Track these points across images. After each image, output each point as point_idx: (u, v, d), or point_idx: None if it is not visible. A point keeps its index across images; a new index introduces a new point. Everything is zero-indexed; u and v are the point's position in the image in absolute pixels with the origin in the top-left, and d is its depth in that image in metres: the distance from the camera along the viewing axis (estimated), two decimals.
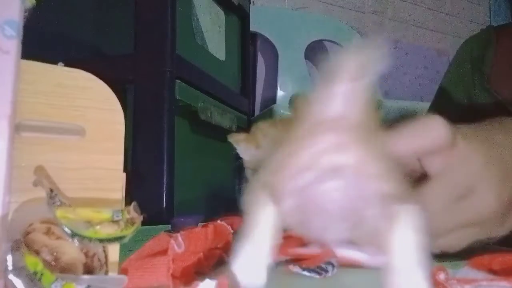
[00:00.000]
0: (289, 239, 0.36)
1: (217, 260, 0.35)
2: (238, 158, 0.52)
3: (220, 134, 1.28)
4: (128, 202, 0.30)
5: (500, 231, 0.39)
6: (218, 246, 0.37)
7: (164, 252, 0.31)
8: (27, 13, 0.26)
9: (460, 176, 0.37)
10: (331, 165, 0.26)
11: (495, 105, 0.77)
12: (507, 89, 0.77)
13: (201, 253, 0.32)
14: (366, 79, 0.27)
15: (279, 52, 1.89)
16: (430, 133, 0.36)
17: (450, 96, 0.85)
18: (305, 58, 1.96)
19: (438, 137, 0.35)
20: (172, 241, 0.32)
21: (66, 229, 0.26)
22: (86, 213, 0.27)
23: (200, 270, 0.32)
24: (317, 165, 0.26)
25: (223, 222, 0.39)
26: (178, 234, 0.34)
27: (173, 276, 0.29)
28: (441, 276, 0.27)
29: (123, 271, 0.29)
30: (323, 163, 0.26)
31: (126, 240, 0.27)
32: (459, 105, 0.83)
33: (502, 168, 0.38)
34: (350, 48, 0.27)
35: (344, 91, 0.27)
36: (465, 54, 0.87)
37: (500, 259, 0.30)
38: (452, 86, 0.86)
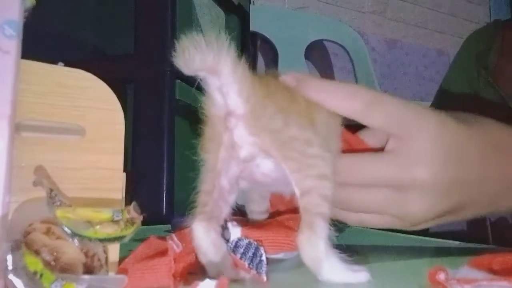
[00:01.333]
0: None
1: None
2: None
3: None
4: (128, 202, 0.30)
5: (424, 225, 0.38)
6: None
7: (162, 253, 0.31)
8: (27, 13, 0.26)
9: (388, 169, 0.35)
10: (245, 156, 0.32)
11: (499, 101, 0.77)
12: (511, 84, 0.76)
13: (194, 253, 0.32)
14: (225, 68, 0.29)
15: (279, 52, 1.89)
16: (346, 98, 0.35)
17: (454, 92, 0.84)
18: (305, 58, 1.96)
19: (349, 108, 0.35)
20: (171, 242, 0.32)
21: (66, 229, 0.26)
22: (86, 213, 0.27)
23: (192, 271, 0.32)
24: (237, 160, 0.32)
25: None
26: (173, 235, 0.34)
27: (173, 276, 0.29)
28: (441, 276, 0.27)
29: (121, 272, 0.29)
30: (240, 157, 0.32)
31: (126, 240, 0.27)
32: (463, 101, 0.82)
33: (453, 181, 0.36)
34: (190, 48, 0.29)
35: (216, 87, 0.30)
36: (470, 48, 0.86)
37: (500, 259, 0.30)
38: (456, 82, 0.86)
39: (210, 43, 0.29)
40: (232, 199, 0.34)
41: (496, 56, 0.80)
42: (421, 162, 0.35)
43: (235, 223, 0.33)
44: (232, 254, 0.32)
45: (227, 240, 0.33)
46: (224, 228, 0.33)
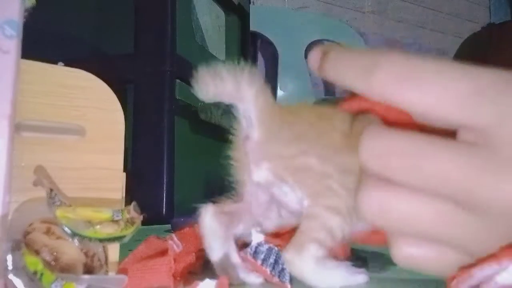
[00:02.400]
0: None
1: (204, 260, 0.36)
2: None
3: (220, 134, 1.28)
4: (128, 202, 0.30)
5: None
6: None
7: (162, 253, 0.31)
8: (27, 13, 0.26)
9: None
10: (258, 181, 0.31)
11: None
12: None
13: (194, 253, 0.32)
14: (246, 94, 0.30)
15: (279, 52, 1.89)
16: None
17: None
18: (305, 58, 1.96)
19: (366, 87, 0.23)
20: (171, 242, 0.33)
21: (66, 229, 0.26)
22: (86, 213, 0.27)
23: (192, 270, 0.32)
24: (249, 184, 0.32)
25: None
26: (173, 235, 0.34)
27: (173, 276, 0.29)
28: (454, 281, 0.26)
29: (121, 272, 0.29)
30: (251, 181, 0.32)
31: (126, 240, 0.27)
32: None
33: None
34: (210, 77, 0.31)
35: (241, 112, 0.31)
36: (467, 51, 0.86)
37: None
38: None
39: (229, 72, 0.30)
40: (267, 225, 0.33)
41: (493, 59, 0.80)
42: None
43: (258, 229, 0.33)
44: (252, 259, 0.32)
45: (248, 244, 0.32)
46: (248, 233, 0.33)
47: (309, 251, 0.29)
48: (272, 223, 0.33)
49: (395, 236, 0.25)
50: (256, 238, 0.32)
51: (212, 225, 0.31)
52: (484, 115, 0.21)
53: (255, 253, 0.32)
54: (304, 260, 0.29)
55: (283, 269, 0.31)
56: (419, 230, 0.23)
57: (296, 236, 0.30)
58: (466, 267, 0.24)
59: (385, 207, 0.23)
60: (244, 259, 0.32)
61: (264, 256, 0.31)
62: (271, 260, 0.31)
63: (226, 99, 0.31)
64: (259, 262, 0.31)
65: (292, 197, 0.31)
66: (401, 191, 0.23)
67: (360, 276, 0.30)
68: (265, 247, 0.32)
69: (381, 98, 0.23)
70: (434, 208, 0.23)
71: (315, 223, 0.29)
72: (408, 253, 0.24)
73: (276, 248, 0.32)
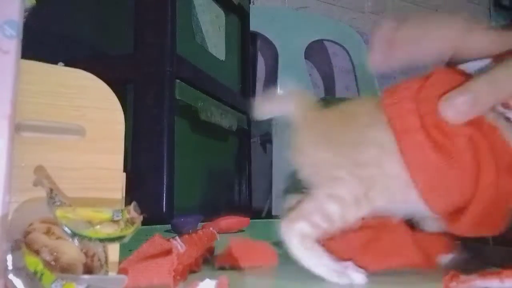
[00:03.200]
0: None
1: (203, 260, 0.36)
2: (238, 157, 0.52)
3: (220, 134, 1.28)
4: (128, 202, 0.30)
5: None
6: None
7: (166, 253, 0.31)
8: (27, 13, 0.26)
9: None
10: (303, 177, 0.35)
11: None
12: None
13: (194, 257, 0.32)
14: (289, 109, 0.37)
15: (279, 52, 1.89)
16: None
17: None
18: (305, 58, 1.96)
19: None
20: (175, 242, 0.33)
21: (66, 229, 0.26)
22: (86, 213, 0.27)
23: (192, 270, 0.32)
24: None
25: (211, 228, 0.41)
26: (177, 237, 0.34)
27: (174, 272, 0.29)
28: (454, 283, 0.26)
29: (122, 271, 0.29)
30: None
31: (126, 240, 0.27)
32: None
33: None
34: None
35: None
36: None
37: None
38: None
39: (278, 93, 0.38)
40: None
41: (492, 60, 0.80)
42: None
43: None
44: None
45: None
46: None
47: (297, 226, 0.31)
48: None
49: None
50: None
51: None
52: None
53: None
54: (291, 233, 0.32)
55: None
56: None
57: (294, 211, 0.32)
58: (468, 276, 0.26)
59: None
60: None
61: None
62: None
63: (278, 114, 0.38)
64: None
65: None
66: None
67: (356, 276, 0.30)
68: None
69: None
70: None
71: (312, 205, 0.32)
72: None
73: None
